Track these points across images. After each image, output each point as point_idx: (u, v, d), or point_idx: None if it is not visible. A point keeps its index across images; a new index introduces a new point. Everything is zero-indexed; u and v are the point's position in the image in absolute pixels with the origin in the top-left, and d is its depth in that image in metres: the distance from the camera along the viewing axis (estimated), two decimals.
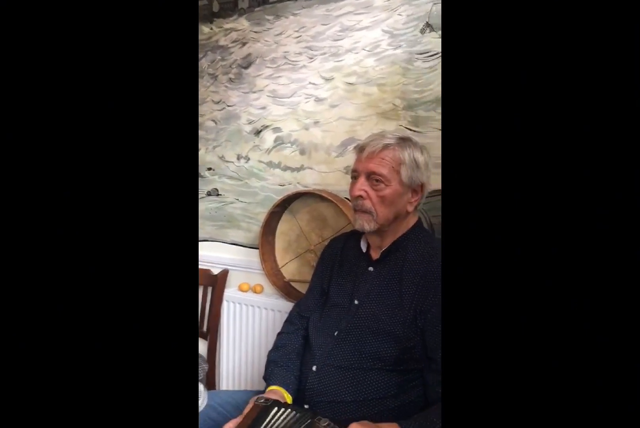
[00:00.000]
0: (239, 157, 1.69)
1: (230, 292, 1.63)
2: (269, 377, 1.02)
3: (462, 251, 0.48)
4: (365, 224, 0.97)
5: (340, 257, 1.12)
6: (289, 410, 0.80)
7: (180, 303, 0.51)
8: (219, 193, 1.74)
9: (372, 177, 0.96)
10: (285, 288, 1.56)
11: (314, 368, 0.97)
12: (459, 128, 0.49)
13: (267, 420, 0.79)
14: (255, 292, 1.61)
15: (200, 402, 0.73)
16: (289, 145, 1.58)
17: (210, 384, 1.64)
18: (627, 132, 0.44)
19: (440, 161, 1.27)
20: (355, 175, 1.00)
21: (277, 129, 1.60)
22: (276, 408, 0.81)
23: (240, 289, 1.64)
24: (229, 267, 1.69)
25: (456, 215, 0.49)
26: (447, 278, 0.49)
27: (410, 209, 0.99)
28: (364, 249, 1.06)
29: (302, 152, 1.55)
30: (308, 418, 0.76)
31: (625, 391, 0.42)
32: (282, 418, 0.79)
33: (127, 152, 0.50)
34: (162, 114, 0.52)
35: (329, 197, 1.40)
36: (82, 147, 0.49)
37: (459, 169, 0.49)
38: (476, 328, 0.47)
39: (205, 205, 1.78)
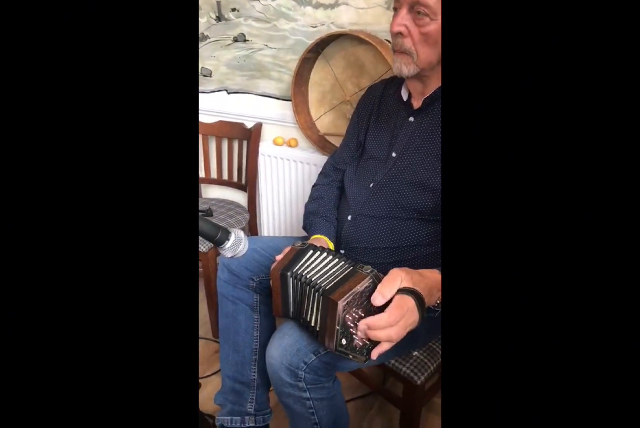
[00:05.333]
0: None
1: (265, 146, 1.62)
2: (310, 227, 1.05)
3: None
4: (404, 67, 0.86)
5: (377, 106, 1.05)
6: (325, 253, 0.83)
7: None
8: (246, 38, 1.59)
9: (416, 8, 0.81)
10: (320, 142, 1.52)
11: (349, 217, 0.99)
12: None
13: (303, 261, 0.82)
14: (290, 146, 1.59)
15: (241, 247, 0.76)
16: None
17: (253, 232, 1.75)
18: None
19: None
20: (396, 6, 0.85)
21: None
22: (311, 251, 0.84)
23: (275, 143, 1.62)
24: (262, 120, 1.64)
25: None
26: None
27: None
28: (404, 97, 0.97)
29: None
30: (350, 266, 0.77)
31: (627, 385, 0.38)
32: (318, 260, 0.82)
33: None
34: None
35: (367, 39, 1.25)
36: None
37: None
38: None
39: (232, 54, 1.64)
